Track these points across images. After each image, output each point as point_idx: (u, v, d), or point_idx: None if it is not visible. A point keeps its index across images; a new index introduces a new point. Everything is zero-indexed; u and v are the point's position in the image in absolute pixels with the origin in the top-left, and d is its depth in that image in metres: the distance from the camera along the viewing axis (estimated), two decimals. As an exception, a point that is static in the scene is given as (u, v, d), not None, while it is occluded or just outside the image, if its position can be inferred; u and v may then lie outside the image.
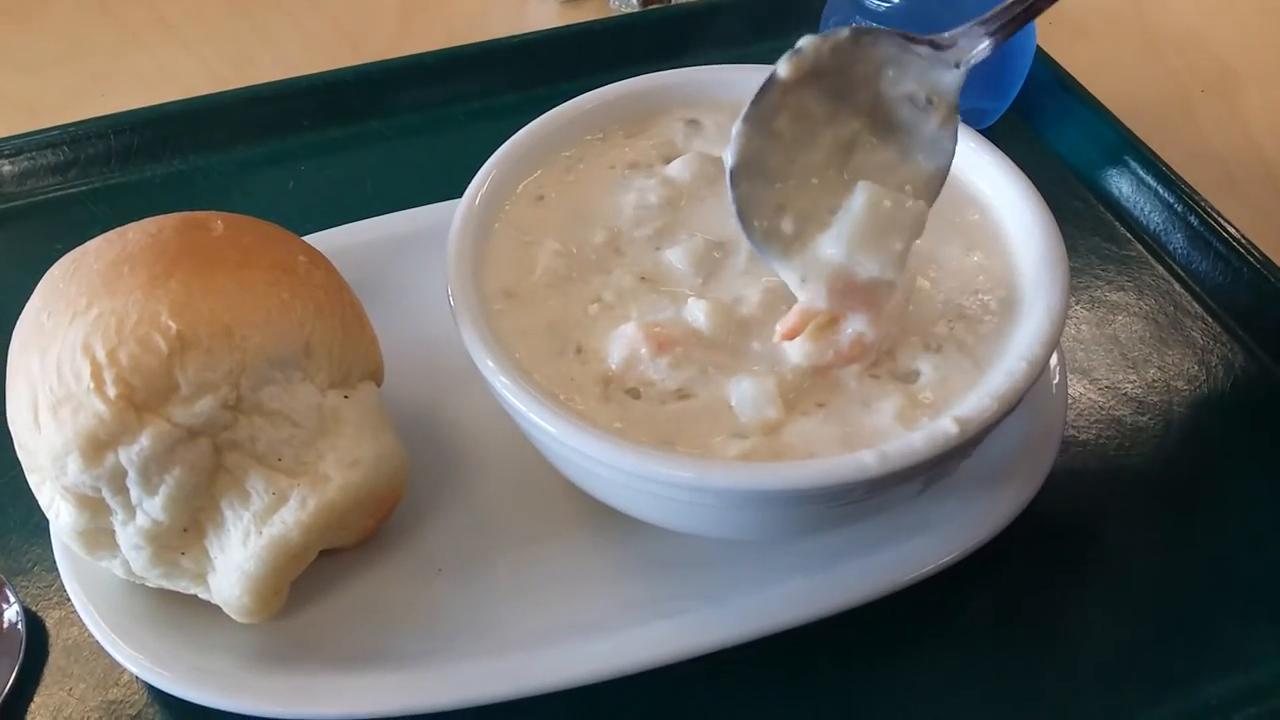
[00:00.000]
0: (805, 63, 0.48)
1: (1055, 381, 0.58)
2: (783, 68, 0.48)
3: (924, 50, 0.49)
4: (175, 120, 0.79)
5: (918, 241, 0.49)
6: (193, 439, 0.46)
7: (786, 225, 0.49)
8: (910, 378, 0.49)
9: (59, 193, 0.77)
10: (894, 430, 0.46)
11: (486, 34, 0.86)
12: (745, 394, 0.48)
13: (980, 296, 0.52)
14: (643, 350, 0.49)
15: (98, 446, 0.45)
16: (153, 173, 0.78)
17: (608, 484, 0.49)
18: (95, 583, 0.51)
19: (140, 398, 0.45)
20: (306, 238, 0.57)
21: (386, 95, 0.82)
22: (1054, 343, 0.48)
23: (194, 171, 0.78)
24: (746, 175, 0.49)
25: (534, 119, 0.59)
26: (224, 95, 0.81)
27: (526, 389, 0.47)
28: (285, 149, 0.79)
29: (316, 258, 0.53)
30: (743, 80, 0.61)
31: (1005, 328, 0.50)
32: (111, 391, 0.44)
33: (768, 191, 0.49)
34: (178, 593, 0.50)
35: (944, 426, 0.45)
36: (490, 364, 0.48)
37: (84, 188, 0.77)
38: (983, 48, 0.49)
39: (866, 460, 0.44)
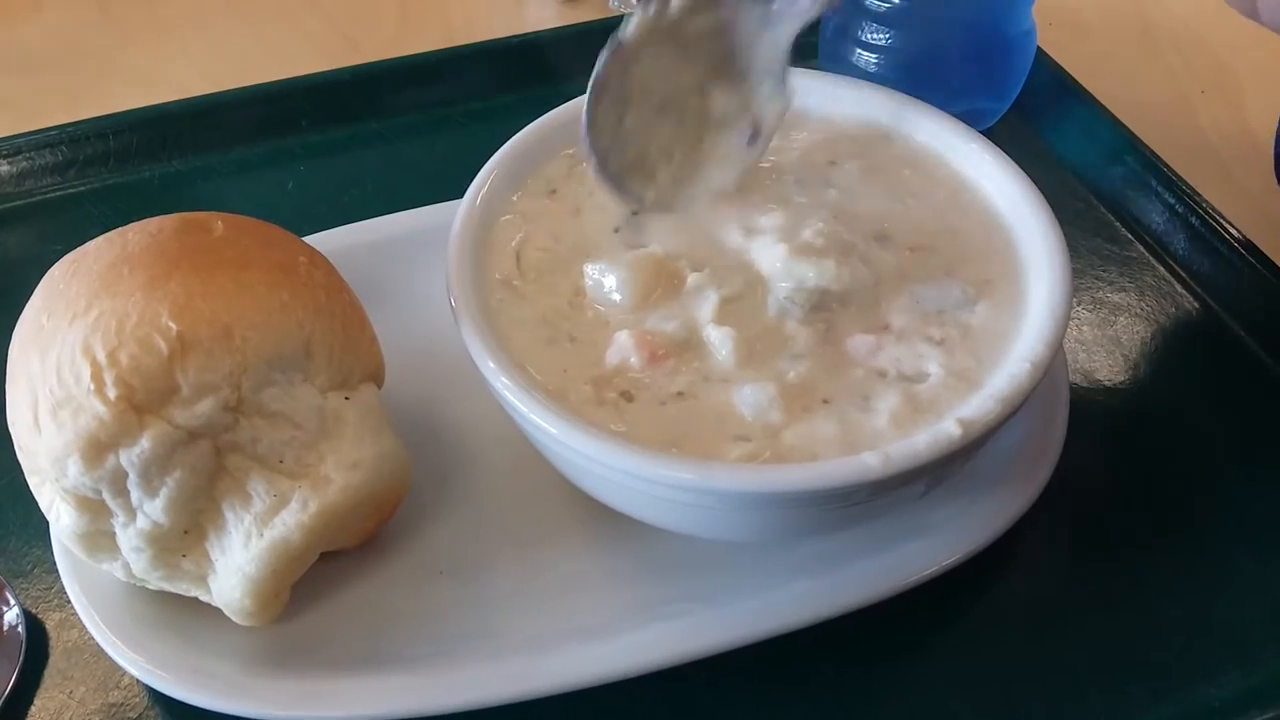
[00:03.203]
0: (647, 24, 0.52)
1: (1057, 383, 0.58)
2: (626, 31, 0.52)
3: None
4: (174, 120, 0.79)
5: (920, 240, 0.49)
6: (193, 441, 0.46)
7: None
8: (917, 378, 0.49)
9: (58, 193, 0.77)
10: (897, 432, 0.46)
11: (486, 34, 0.86)
12: (748, 397, 0.48)
13: (982, 298, 0.51)
14: (633, 359, 0.49)
15: (98, 448, 0.45)
16: (151, 173, 0.78)
17: (610, 485, 0.49)
18: (96, 585, 0.51)
19: (140, 399, 0.45)
20: (306, 238, 0.57)
21: (386, 95, 0.82)
22: (1057, 344, 0.48)
23: (193, 172, 0.78)
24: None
25: (534, 119, 0.58)
26: (223, 95, 0.80)
27: (528, 390, 0.47)
28: (284, 149, 0.79)
29: (316, 259, 0.53)
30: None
31: (1008, 329, 0.50)
32: (112, 393, 0.44)
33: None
34: (179, 595, 0.50)
35: (947, 428, 0.45)
36: (491, 365, 0.48)
37: (83, 188, 0.77)
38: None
39: (869, 462, 0.44)
